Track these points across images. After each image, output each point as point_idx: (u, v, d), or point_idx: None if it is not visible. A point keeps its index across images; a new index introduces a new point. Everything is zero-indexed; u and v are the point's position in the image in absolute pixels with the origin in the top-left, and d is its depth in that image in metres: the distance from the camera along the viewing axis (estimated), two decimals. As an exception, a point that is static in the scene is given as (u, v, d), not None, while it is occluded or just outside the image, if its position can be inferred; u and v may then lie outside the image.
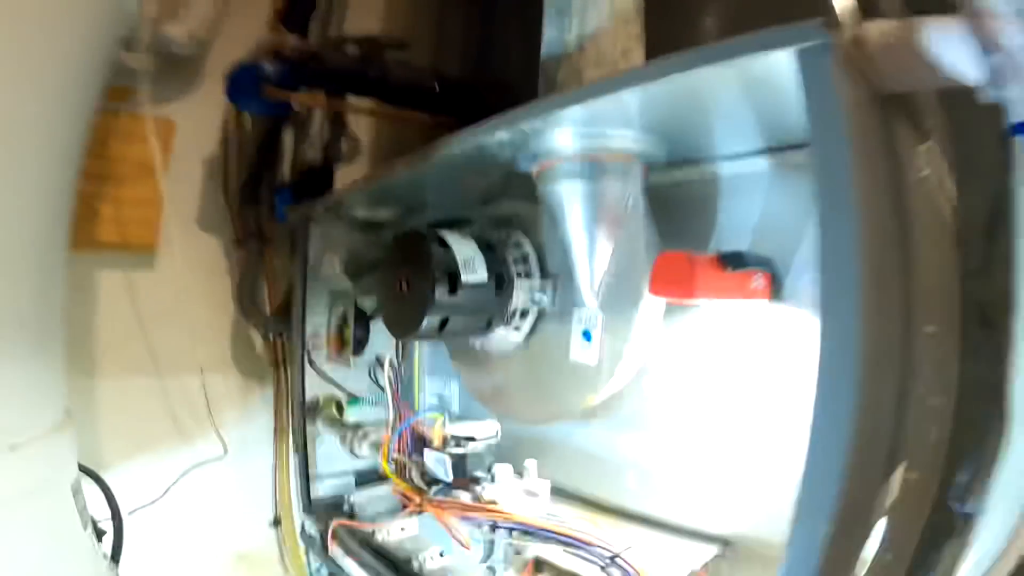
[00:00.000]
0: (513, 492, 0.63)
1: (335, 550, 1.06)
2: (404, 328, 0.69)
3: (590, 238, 0.68)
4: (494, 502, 0.62)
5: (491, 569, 0.68)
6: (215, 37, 1.05)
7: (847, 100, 0.38)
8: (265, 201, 1.08)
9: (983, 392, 0.45)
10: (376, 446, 0.87)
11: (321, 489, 1.11)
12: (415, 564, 0.91)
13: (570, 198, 0.67)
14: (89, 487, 0.95)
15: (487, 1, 1.31)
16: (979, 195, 0.49)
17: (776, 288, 0.61)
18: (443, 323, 0.67)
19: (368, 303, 0.92)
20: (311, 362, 1.00)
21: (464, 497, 0.64)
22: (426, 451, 0.68)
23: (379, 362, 0.89)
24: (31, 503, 0.75)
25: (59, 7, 0.82)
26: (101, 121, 0.95)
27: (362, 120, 1.18)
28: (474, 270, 0.66)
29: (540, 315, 0.74)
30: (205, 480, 1.12)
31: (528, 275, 0.71)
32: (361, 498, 1.07)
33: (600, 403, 0.75)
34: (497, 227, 0.77)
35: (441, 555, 0.91)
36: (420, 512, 0.67)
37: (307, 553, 1.18)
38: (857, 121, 0.39)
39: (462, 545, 0.62)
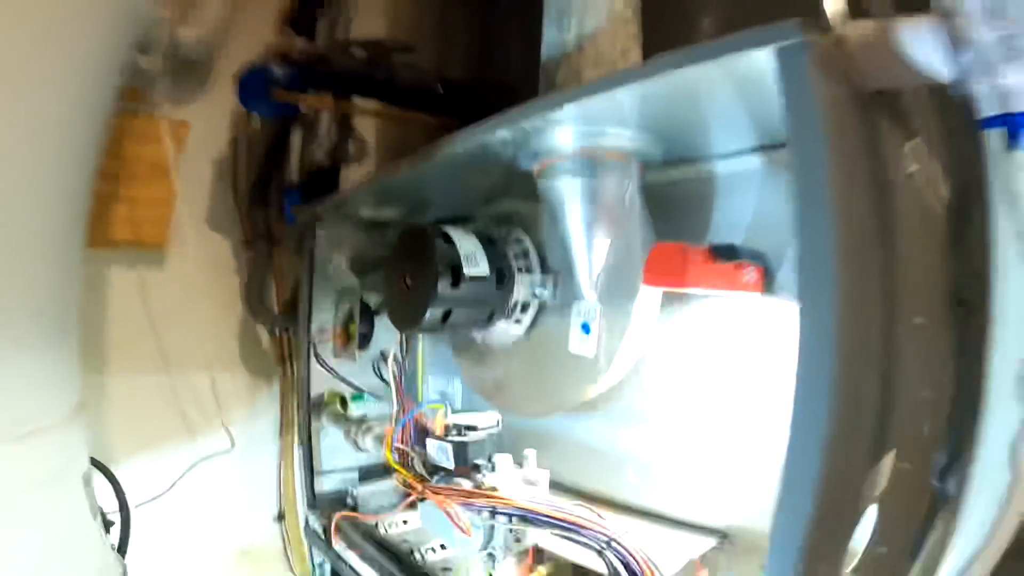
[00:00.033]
0: (513, 480, 0.66)
1: (338, 543, 1.08)
2: (408, 321, 0.72)
3: (588, 234, 0.70)
4: (494, 489, 0.64)
5: (491, 556, 0.71)
6: (225, 41, 1.10)
7: (823, 98, 0.40)
8: (273, 201, 1.12)
9: (961, 373, 0.47)
10: (380, 439, 0.90)
11: (325, 484, 1.14)
12: (417, 556, 0.94)
13: (569, 195, 0.70)
14: (98, 480, 0.99)
15: (489, 5, 1.35)
16: (962, 188, 0.51)
17: (769, 282, 0.63)
18: (446, 316, 0.70)
19: (373, 299, 0.96)
20: (317, 357, 1.03)
21: (465, 485, 0.66)
22: (428, 440, 0.70)
23: (383, 357, 0.92)
24: (42, 492, 0.79)
25: (78, 11, 0.87)
26: (116, 122, 0.99)
27: (368, 122, 1.22)
28: (476, 264, 0.69)
29: (540, 309, 0.76)
30: (211, 475, 1.16)
31: (529, 270, 0.74)
32: (365, 492, 1.10)
33: (600, 396, 0.77)
34: (499, 224, 0.80)
35: (443, 547, 0.94)
36: (422, 499, 0.70)
37: (310, 547, 1.21)
38: (833, 118, 0.41)
39: (462, 531, 0.64)
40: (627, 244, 0.69)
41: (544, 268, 0.75)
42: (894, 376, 0.52)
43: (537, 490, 0.66)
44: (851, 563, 0.52)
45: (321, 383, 1.08)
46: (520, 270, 0.74)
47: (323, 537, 1.13)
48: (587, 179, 0.68)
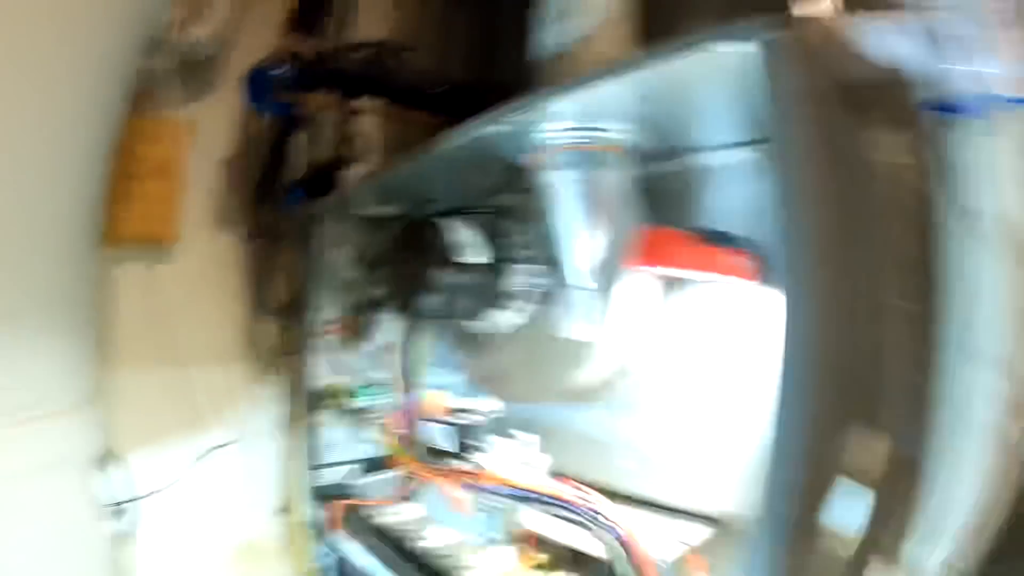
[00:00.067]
0: (511, 463, 0.69)
1: (339, 533, 1.12)
2: (410, 308, 0.76)
3: (582, 224, 0.74)
4: (492, 470, 0.68)
5: (491, 540, 0.74)
6: (231, 43, 1.15)
7: (795, 92, 0.44)
8: (278, 198, 1.17)
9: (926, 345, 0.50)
10: (383, 429, 0.94)
11: (328, 477, 1.18)
12: (418, 544, 0.97)
13: (563, 187, 0.74)
14: (103, 471, 1.03)
15: (490, 7, 1.40)
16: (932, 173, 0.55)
17: (765, 271, 0.66)
18: (446, 303, 0.74)
19: (376, 292, 1.00)
20: (321, 350, 1.07)
21: (464, 467, 0.70)
22: (429, 424, 0.74)
23: (387, 348, 0.96)
24: (42, 478, 0.82)
25: (91, 16, 0.92)
26: (127, 122, 1.04)
27: (370, 122, 1.26)
28: (475, 253, 0.73)
29: (538, 298, 0.80)
30: (215, 469, 1.19)
31: (526, 260, 0.78)
32: (367, 484, 1.14)
33: (598, 386, 0.81)
34: (498, 217, 0.84)
35: (443, 535, 0.97)
36: (423, 482, 0.73)
37: (312, 539, 1.24)
38: (806, 112, 0.45)
39: (461, 512, 0.68)
40: (620, 234, 0.73)
41: (541, 258, 0.79)
42: (878, 356, 0.55)
43: (535, 470, 0.70)
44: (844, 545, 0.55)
45: (326, 376, 1.12)
46: (518, 260, 0.77)
47: (325, 528, 1.17)
48: (580, 171, 0.72)
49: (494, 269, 0.77)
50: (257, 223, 1.17)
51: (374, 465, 1.18)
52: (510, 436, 0.72)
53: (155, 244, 1.10)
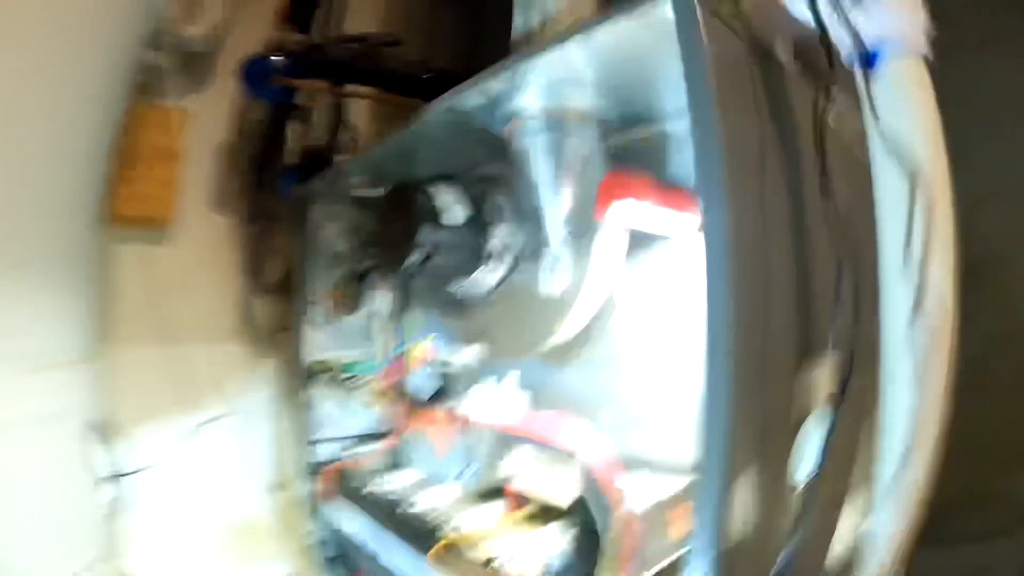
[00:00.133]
0: (491, 406, 0.77)
1: (332, 503, 1.19)
2: (395, 265, 0.85)
3: (554, 186, 0.84)
4: (473, 416, 0.76)
5: (469, 488, 0.82)
6: (226, 37, 1.26)
7: (713, 52, 0.53)
8: (272, 182, 1.27)
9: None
10: (373, 392, 1.02)
11: (321, 452, 1.26)
12: (405, 507, 1.05)
13: (536, 152, 0.83)
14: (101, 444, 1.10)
15: (475, 2, 1.52)
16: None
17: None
18: (431, 261, 0.83)
19: (366, 263, 1.09)
20: (313, 325, 1.16)
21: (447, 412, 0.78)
22: (413, 373, 0.83)
23: (376, 316, 1.04)
24: (40, 430, 0.89)
25: (96, 14, 1.02)
26: (129, 109, 1.14)
27: (360, 110, 1.37)
28: (455, 213, 0.82)
29: (514, 258, 0.89)
30: (210, 445, 1.27)
31: (503, 220, 0.88)
32: (359, 455, 1.21)
33: (576, 342, 0.89)
34: (479, 183, 0.93)
35: (433, 497, 1.04)
36: (409, 431, 0.81)
37: (307, 515, 1.31)
38: (723, 72, 0.55)
39: (441, 456, 0.76)
40: (589, 195, 0.83)
41: (517, 218, 0.88)
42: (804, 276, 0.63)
43: (516, 410, 0.78)
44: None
45: (317, 352, 1.21)
46: (495, 221, 0.87)
47: (317, 502, 1.24)
48: (551, 137, 0.82)
49: (476, 229, 0.86)
50: (253, 206, 1.27)
51: (368, 439, 1.26)
52: (491, 381, 0.80)
53: (154, 225, 1.20)
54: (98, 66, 1.07)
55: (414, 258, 0.84)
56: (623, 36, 0.63)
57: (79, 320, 0.94)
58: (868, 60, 0.53)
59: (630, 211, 0.71)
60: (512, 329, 0.91)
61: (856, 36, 0.52)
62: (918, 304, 0.58)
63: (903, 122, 0.56)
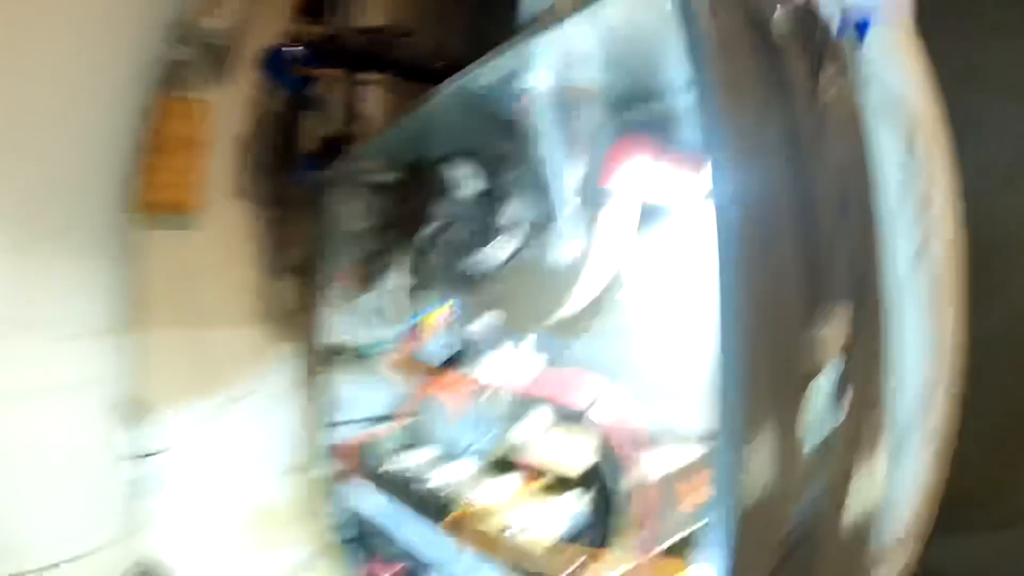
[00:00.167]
0: (507, 366, 0.82)
1: (351, 482, 1.25)
2: (408, 240, 0.90)
3: (563, 160, 0.88)
4: (488, 379, 0.80)
5: (485, 452, 0.85)
6: (244, 30, 1.33)
7: (713, 27, 0.57)
8: (290, 170, 1.33)
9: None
10: (390, 363, 1.06)
11: (340, 434, 1.31)
12: (421, 484, 1.09)
13: (545, 128, 0.88)
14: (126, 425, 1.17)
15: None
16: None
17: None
18: (441, 232, 0.88)
19: (382, 241, 1.14)
20: (332, 306, 1.22)
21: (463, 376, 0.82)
22: (430, 339, 0.87)
23: (391, 292, 1.09)
24: (70, 398, 0.95)
25: (125, 12, 1.09)
26: (153, 103, 1.22)
27: (373, 100, 1.43)
28: (468, 188, 0.87)
29: (525, 231, 0.93)
30: (230, 427, 1.34)
31: (514, 194, 0.92)
32: (375, 430, 1.26)
33: (586, 312, 0.93)
34: (489, 160, 0.98)
35: (449, 473, 1.08)
36: (425, 397, 0.86)
37: (324, 496, 1.36)
38: (723, 45, 0.58)
39: (457, 421, 0.80)
40: (597, 167, 0.86)
41: (527, 193, 0.93)
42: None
43: (531, 371, 0.82)
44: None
45: (335, 334, 1.27)
46: (507, 195, 0.91)
47: (336, 483, 1.30)
48: (559, 113, 0.86)
49: (488, 204, 0.91)
50: (272, 193, 1.34)
51: (385, 420, 1.31)
52: (507, 345, 0.84)
53: (179, 212, 1.27)
54: (126, 62, 1.14)
55: (428, 231, 0.89)
56: (627, 12, 0.67)
57: (109, 298, 1.01)
58: (859, 28, 0.56)
59: (638, 173, 0.74)
60: (524, 302, 0.95)
61: (845, 7, 0.56)
62: (923, 247, 0.60)
63: (895, 81, 0.59)
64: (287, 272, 1.35)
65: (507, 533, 0.91)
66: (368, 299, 1.16)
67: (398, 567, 1.23)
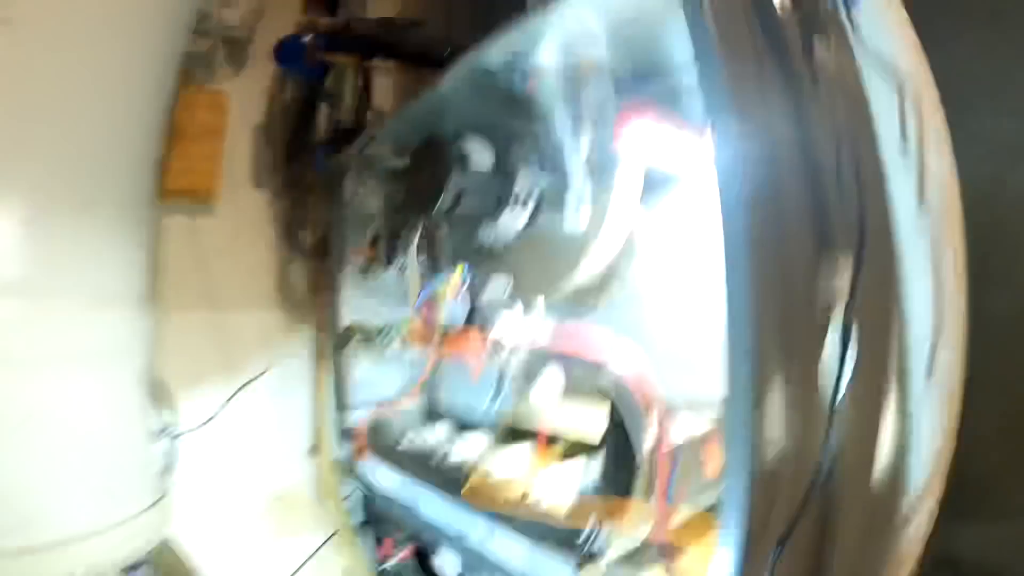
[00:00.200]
0: (520, 326, 0.86)
1: (364, 462, 1.28)
2: (426, 207, 0.94)
3: (574, 132, 0.92)
4: (503, 337, 0.84)
5: (500, 413, 0.89)
6: (259, 21, 1.40)
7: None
8: (305, 156, 1.39)
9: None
10: (407, 333, 1.11)
11: (357, 415, 1.35)
12: (438, 459, 1.13)
13: (555, 103, 0.92)
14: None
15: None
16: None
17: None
18: (455, 205, 0.93)
19: (395, 220, 1.19)
20: (348, 287, 1.27)
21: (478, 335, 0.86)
22: (444, 304, 0.92)
23: (407, 266, 1.13)
24: (100, 367, 0.99)
25: (150, 7, 1.16)
26: (175, 93, 1.28)
27: (385, 89, 1.49)
28: (482, 158, 0.92)
29: (538, 201, 0.98)
30: (248, 409, 1.38)
31: (526, 168, 0.97)
32: (392, 410, 1.31)
33: (597, 285, 0.97)
34: (501, 136, 1.03)
35: (465, 448, 1.12)
36: (442, 359, 0.90)
37: (341, 478, 1.40)
38: (722, 17, 0.62)
39: (475, 379, 0.84)
40: (607, 136, 0.91)
41: (539, 164, 0.97)
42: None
43: (544, 332, 0.86)
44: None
45: (352, 315, 1.31)
46: (519, 167, 0.96)
47: (351, 464, 1.33)
48: (569, 88, 0.91)
49: (501, 176, 0.95)
50: (287, 179, 1.40)
51: (401, 397, 1.34)
52: (519, 306, 0.88)
53: (200, 198, 1.33)
54: (152, 53, 1.21)
55: (441, 207, 0.93)
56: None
57: (132, 275, 1.06)
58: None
59: (646, 134, 0.78)
60: (536, 272, 0.99)
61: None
62: (921, 191, 0.64)
63: (886, 42, 0.63)
64: (303, 255, 1.41)
65: (527, 500, 0.94)
66: (383, 278, 1.21)
67: (409, 548, 1.26)
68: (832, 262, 0.69)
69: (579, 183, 0.92)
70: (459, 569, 1.10)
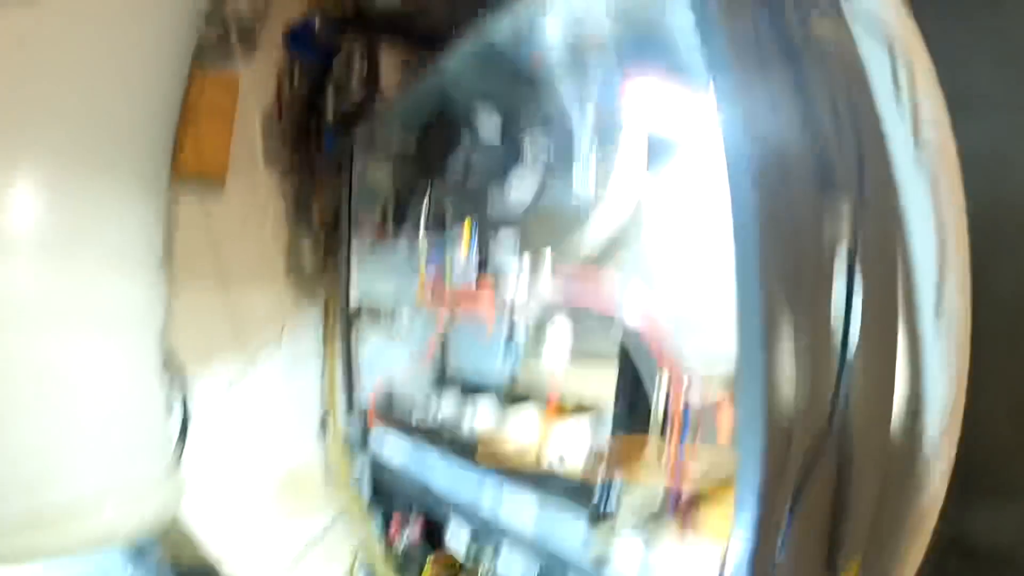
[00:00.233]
0: (530, 280, 0.89)
1: (376, 435, 1.31)
2: (437, 169, 0.98)
3: (578, 103, 0.97)
4: (513, 292, 0.88)
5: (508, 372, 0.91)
6: (270, 7, 1.45)
7: None
8: (314, 137, 1.44)
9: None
10: (419, 297, 1.14)
11: (368, 390, 1.38)
12: (450, 428, 1.16)
13: (561, 77, 0.97)
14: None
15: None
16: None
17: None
18: (464, 178, 0.97)
19: (404, 192, 1.23)
20: (356, 265, 1.30)
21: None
22: (455, 259, 0.95)
23: (415, 242, 1.17)
24: (121, 329, 1.02)
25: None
26: (189, 78, 1.33)
27: (392, 74, 1.54)
28: (490, 128, 0.96)
29: (545, 169, 1.02)
30: (260, 386, 1.41)
31: (533, 138, 1.01)
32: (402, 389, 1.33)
33: (605, 251, 1.00)
34: (508, 108, 1.07)
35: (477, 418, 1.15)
36: (455, 313, 0.93)
37: (351, 453, 1.42)
38: None
39: (488, 326, 0.87)
40: (610, 107, 0.95)
41: (546, 133, 1.01)
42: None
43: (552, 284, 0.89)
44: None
45: (362, 290, 1.35)
46: (525, 140, 1.00)
47: (362, 438, 1.36)
48: (573, 63, 0.95)
49: (509, 145, 0.99)
50: (297, 160, 1.44)
51: (412, 368, 1.36)
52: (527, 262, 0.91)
53: (209, 178, 1.37)
54: (166, 41, 1.26)
55: (450, 179, 0.98)
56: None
57: (153, 242, 1.10)
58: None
59: (650, 98, 0.82)
60: (545, 240, 1.03)
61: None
62: (916, 133, 0.68)
63: (875, 5, 0.68)
64: (313, 232, 1.45)
65: (539, 460, 0.97)
66: (392, 252, 1.24)
67: (418, 524, 1.28)
68: (835, 205, 0.72)
69: (585, 152, 0.96)
70: (469, 541, 1.12)
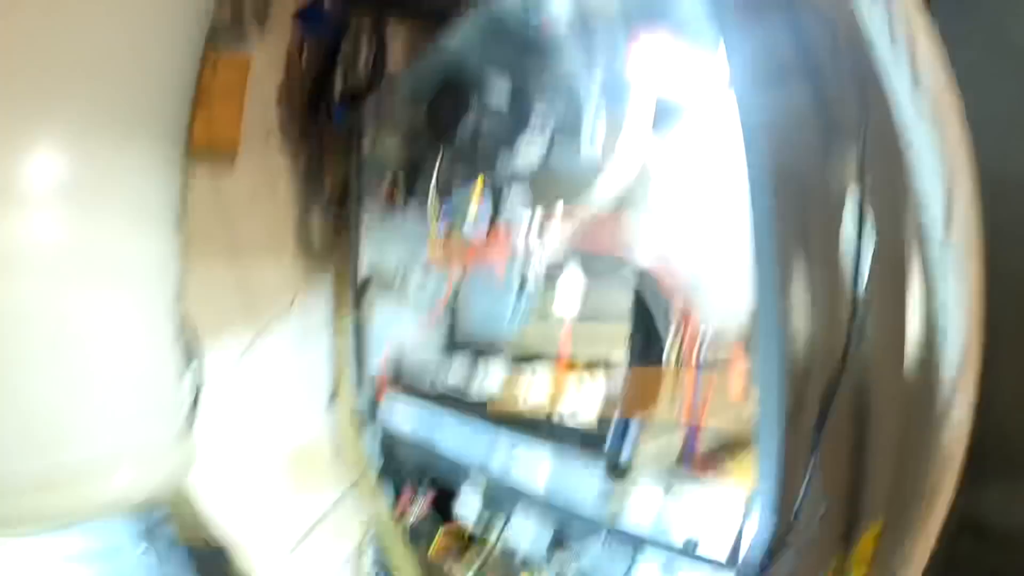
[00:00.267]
0: (541, 229, 0.92)
1: (386, 402, 1.33)
2: (449, 129, 1.01)
3: (587, 66, 1.00)
4: (525, 240, 0.90)
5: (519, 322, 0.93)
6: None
7: None
8: (324, 113, 1.48)
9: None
10: (431, 258, 1.17)
11: (378, 360, 1.40)
12: (460, 391, 1.18)
13: (568, 43, 1.00)
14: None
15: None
16: None
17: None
18: (473, 143, 1.00)
19: (414, 166, 1.26)
20: (366, 236, 1.33)
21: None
22: (468, 211, 0.98)
23: (425, 209, 1.20)
24: (137, 284, 1.03)
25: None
26: (205, 54, 1.37)
27: (399, 50, 1.59)
28: (499, 92, 0.99)
29: (553, 132, 1.05)
30: (270, 358, 1.43)
31: (541, 102, 1.04)
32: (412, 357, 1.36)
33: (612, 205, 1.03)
34: (517, 75, 1.10)
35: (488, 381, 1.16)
36: (467, 266, 0.96)
37: (361, 427, 1.44)
38: None
39: (498, 277, 0.90)
40: (617, 69, 0.98)
41: (554, 100, 1.04)
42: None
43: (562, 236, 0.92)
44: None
45: (373, 261, 1.38)
46: (533, 105, 1.03)
47: (372, 410, 1.38)
48: (581, 30, 0.99)
49: (517, 109, 1.03)
50: (307, 135, 1.48)
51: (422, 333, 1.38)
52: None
53: (221, 155, 1.41)
54: (181, 19, 1.30)
55: (459, 145, 1.01)
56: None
57: (171, 201, 1.13)
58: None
59: (657, 57, 0.85)
60: (554, 194, 1.06)
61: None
62: (915, 79, 0.71)
63: None
64: (322, 204, 1.49)
65: (552, 414, 0.99)
66: (403, 219, 1.27)
67: (428, 496, 1.30)
68: (840, 146, 0.75)
69: (592, 114, 1.00)
70: (480, 508, 1.13)
